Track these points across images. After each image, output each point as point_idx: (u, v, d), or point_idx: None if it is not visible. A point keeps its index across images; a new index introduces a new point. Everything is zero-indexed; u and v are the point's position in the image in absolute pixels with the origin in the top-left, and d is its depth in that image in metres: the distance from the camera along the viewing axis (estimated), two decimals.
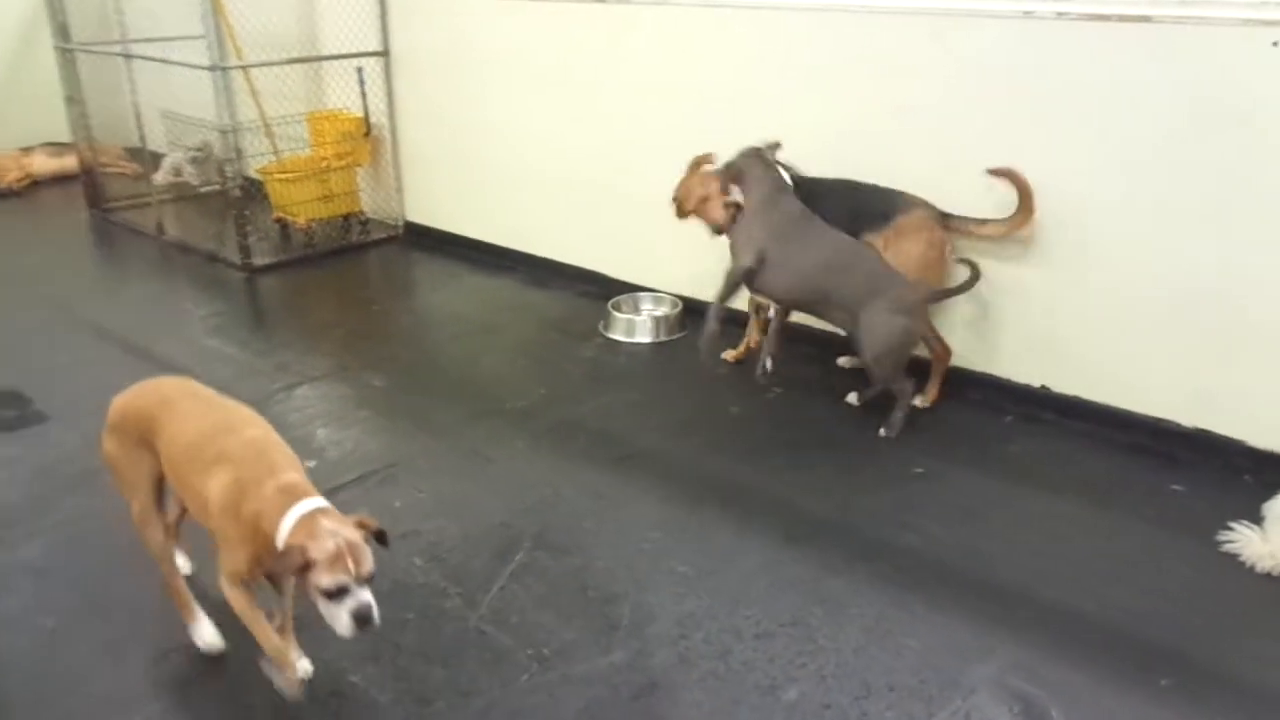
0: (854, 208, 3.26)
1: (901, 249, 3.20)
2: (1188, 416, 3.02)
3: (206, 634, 2.29)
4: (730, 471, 3.03)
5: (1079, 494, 2.87)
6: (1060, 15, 2.96)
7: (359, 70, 5.11)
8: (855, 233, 3.23)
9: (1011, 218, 3.11)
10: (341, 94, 5.29)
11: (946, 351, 3.38)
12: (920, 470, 3.01)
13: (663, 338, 4.05)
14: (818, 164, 3.53)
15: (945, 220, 3.22)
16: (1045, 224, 3.13)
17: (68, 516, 2.84)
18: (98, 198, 6.02)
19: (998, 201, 3.16)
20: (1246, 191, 2.74)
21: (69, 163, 6.43)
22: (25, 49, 6.75)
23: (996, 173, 3.12)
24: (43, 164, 6.81)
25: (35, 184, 6.76)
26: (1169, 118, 2.83)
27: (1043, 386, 3.30)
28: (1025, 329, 3.29)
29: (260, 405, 3.48)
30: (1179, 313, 2.95)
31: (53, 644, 2.33)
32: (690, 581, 2.50)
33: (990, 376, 3.41)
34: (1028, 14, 3.02)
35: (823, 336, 3.75)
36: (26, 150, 6.82)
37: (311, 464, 3.10)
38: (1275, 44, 2.60)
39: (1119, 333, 3.08)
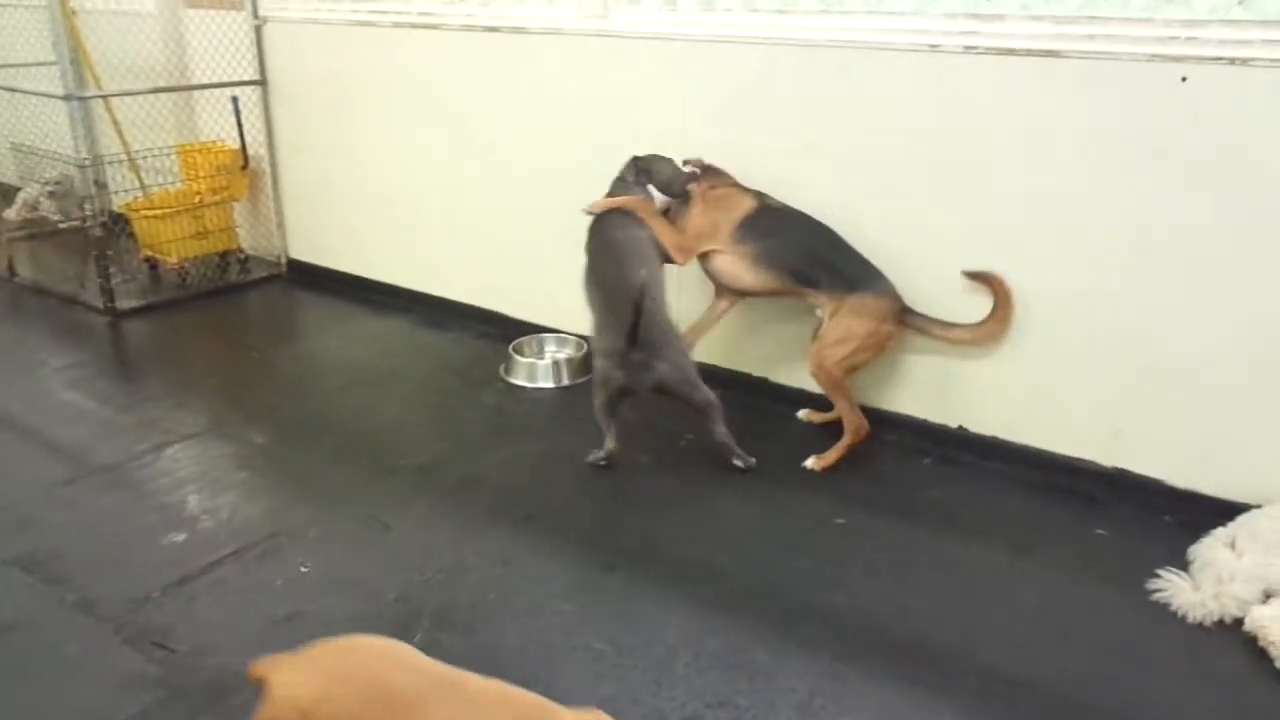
0: (816, 254, 3.08)
1: (847, 325, 3.02)
2: (1106, 455, 2.98)
3: None
4: (643, 529, 2.84)
5: (1003, 541, 2.78)
6: (967, 49, 2.91)
7: (234, 100, 4.78)
8: (808, 279, 3.09)
9: (983, 324, 3.00)
10: (215, 125, 4.94)
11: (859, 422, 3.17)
12: (842, 521, 2.88)
13: (566, 382, 3.85)
14: None
15: (904, 315, 3.08)
16: (958, 261, 3.06)
17: None
18: None
19: (900, 243, 3.10)
20: (1163, 227, 2.72)
21: None
22: None
23: (975, 277, 3.01)
24: None
25: None
26: (1081, 153, 2.79)
27: (960, 427, 3.23)
28: (940, 367, 3.21)
29: (123, 469, 3.17)
30: (1096, 349, 2.91)
31: None
32: (608, 660, 2.30)
33: (906, 417, 3.33)
34: (934, 48, 2.96)
35: (740, 380, 3.62)
36: None
37: (180, 537, 2.79)
38: (1184, 79, 2.58)
39: (1035, 370, 3.03)
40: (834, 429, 3.24)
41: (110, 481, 3.09)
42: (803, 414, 3.50)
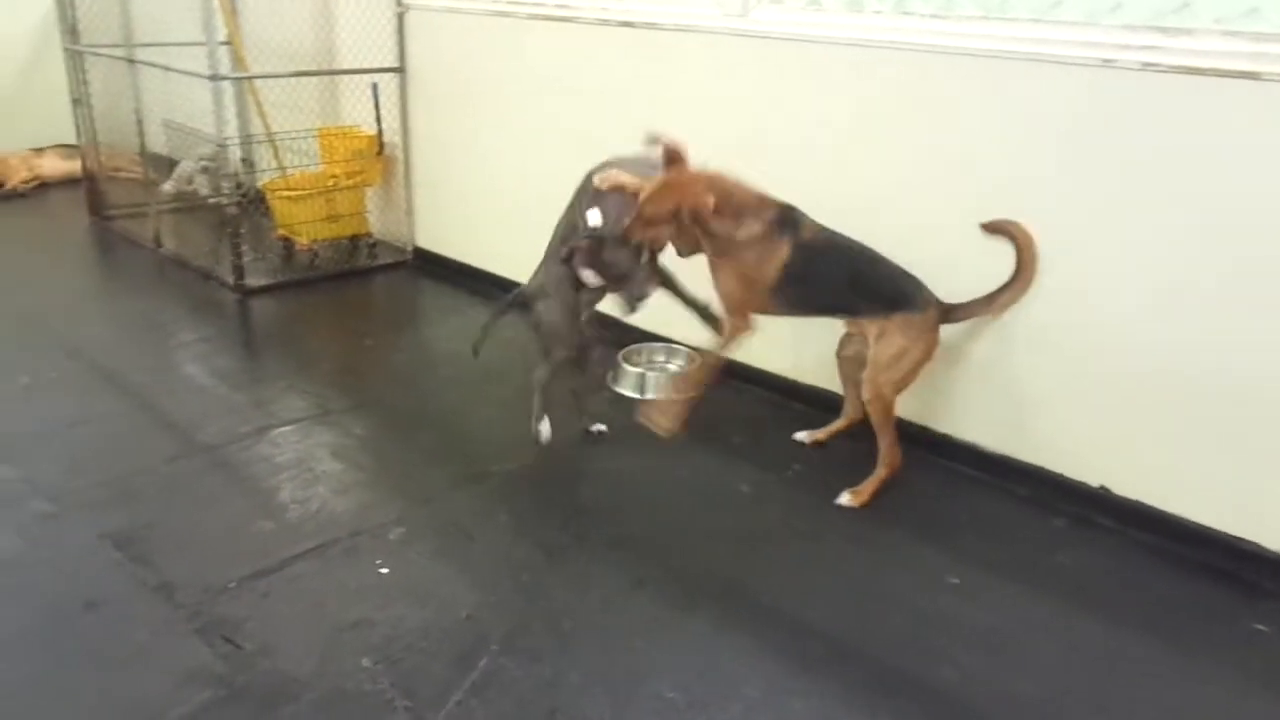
0: (856, 284, 2.84)
1: (900, 346, 2.81)
2: (1275, 538, 2.59)
3: None
4: (734, 567, 2.64)
5: (1145, 626, 2.45)
6: (1146, 66, 2.57)
7: (373, 86, 4.81)
8: (847, 309, 2.90)
9: (1015, 278, 2.82)
10: (356, 110, 5.00)
11: (896, 457, 2.96)
12: (956, 581, 2.60)
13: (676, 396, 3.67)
14: (865, 222, 3.18)
15: (949, 316, 2.88)
16: (1111, 304, 2.73)
17: None
18: (99, 204, 5.77)
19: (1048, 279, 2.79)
20: None
21: (79, 166, 6.20)
22: (44, 49, 6.52)
23: (992, 228, 2.82)
24: (53, 166, 6.59)
25: (44, 186, 6.53)
26: (1276, 187, 2.42)
27: (1102, 487, 2.89)
28: (1084, 420, 2.88)
29: (225, 450, 3.18)
30: (1271, 416, 2.53)
31: None
32: (678, 712, 2.12)
33: (1039, 469, 3.00)
34: (1107, 63, 2.64)
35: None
36: (39, 151, 6.61)
37: (268, 526, 2.76)
38: None
39: (1196, 432, 2.67)
40: (860, 449, 3.02)
41: (211, 462, 3.10)
42: (802, 436, 3.28)
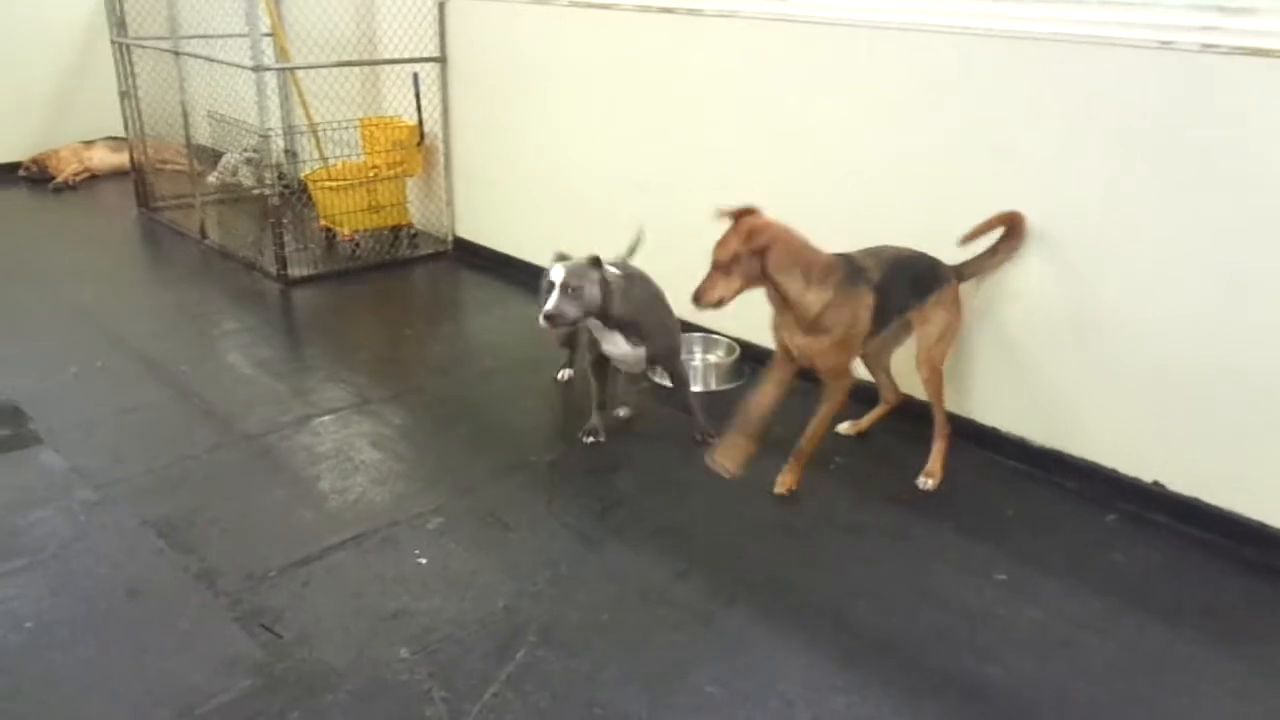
0: (910, 290, 2.86)
1: (942, 320, 2.90)
2: None
3: None
4: (775, 561, 2.60)
5: (1200, 625, 2.37)
6: (1206, 47, 2.48)
7: (414, 76, 4.81)
8: (908, 307, 2.87)
9: (1004, 238, 2.88)
10: (397, 100, 5.01)
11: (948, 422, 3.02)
12: (1003, 577, 2.54)
13: (714, 387, 3.64)
14: (898, 209, 3.11)
15: (962, 274, 2.93)
16: (1163, 295, 2.64)
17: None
18: (147, 196, 5.85)
19: (1092, 267, 2.70)
20: None
21: (127, 158, 6.29)
22: (94, 41, 6.62)
23: (977, 235, 2.87)
24: (102, 158, 6.70)
25: (94, 178, 6.66)
26: None
27: (1156, 483, 2.80)
28: (1136, 412, 2.79)
29: (266, 439, 3.20)
30: None
31: None
32: (718, 707, 2.09)
33: (1091, 464, 2.92)
34: (1166, 44, 2.54)
35: (910, 406, 3.30)
36: (88, 144, 6.72)
37: (307, 515, 2.77)
38: None
39: (1253, 427, 2.57)
40: (911, 436, 3.03)
41: (253, 451, 3.12)
42: (844, 427, 3.25)
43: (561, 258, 2.90)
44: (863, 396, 3.33)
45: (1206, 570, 2.59)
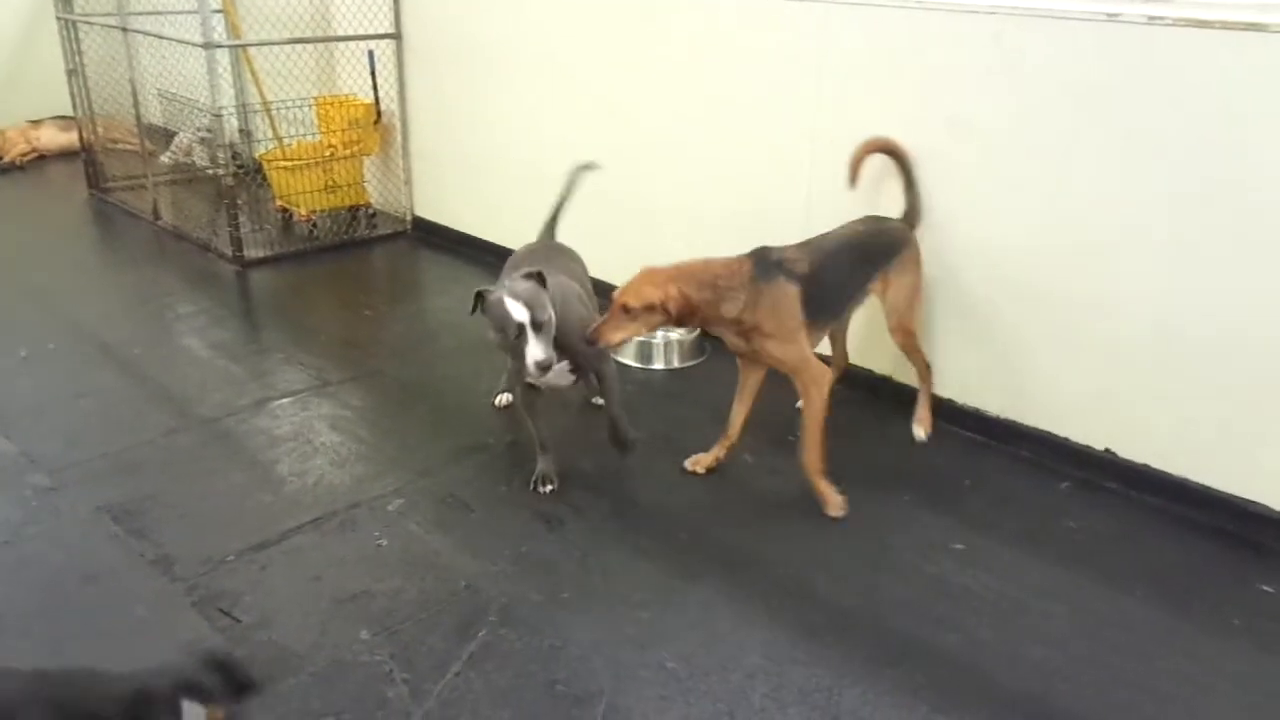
0: (860, 266, 2.86)
1: (907, 284, 2.94)
2: None
3: None
4: (737, 535, 2.62)
5: (1150, 588, 2.42)
6: (1152, 20, 2.50)
7: (370, 53, 4.75)
8: (864, 285, 2.88)
9: (905, 170, 2.99)
10: (352, 78, 4.93)
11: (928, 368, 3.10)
12: (960, 546, 2.58)
13: (676, 364, 3.65)
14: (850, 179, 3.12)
15: (912, 221, 3.02)
16: (1113, 265, 2.68)
17: None
18: (97, 177, 5.73)
19: (1046, 239, 2.73)
20: None
21: (76, 138, 6.15)
22: (39, 18, 6.45)
23: (863, 154, 3.00)
24: (50, 138, 6.55)
25: (42, 159, 6.52)
26: None
27: (1107, 450, 2.85)
28: (1088, 381, 2.84)
29: (223, 423, 3.16)
30: (1277, 376, 2.49)
31: None
32: (679, 682, 2.10)
33: (1044, 433, 2.97)
34: (1112, 17, 2.57)
35: (865, 377, 3.33)
36: (36, 123, 6.57)
37: (266, 499, 2.75)
38: None
39: (1201, 393, 2.63)
40: (867, 408, 3.03)
41: (210, 435, 3.09)
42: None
43: (487, 291, 2.57)
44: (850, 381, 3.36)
45: (1158, 535, 2.65)
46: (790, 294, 2.62)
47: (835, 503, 2.71)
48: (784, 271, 2.63)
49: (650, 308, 2.54)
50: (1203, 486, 2.68)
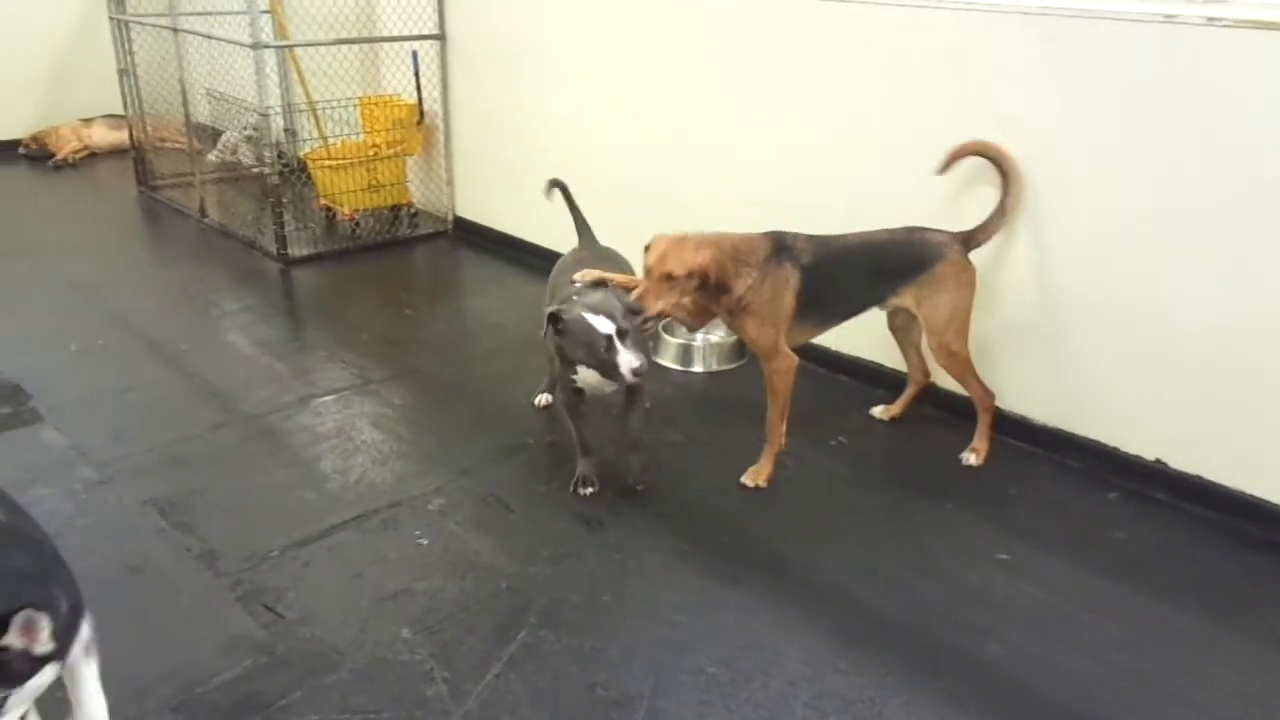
0: (877, 271, 2.80)
1: (947, 301, 2.79)
2: None
3: None
4: (776, 541, 2.60)
5: (1200, 603, 2.37)
6: (1211, 21, 2.45)
7: (414, 54, 4.78)
8: (880, 295, 2.83)
9: (1006, 194, 2.81)
10: (396, 79, 4.97)
11: (988, 396, 2.96)
12: (1005, 556, 2.54)
13: (716, 367, 3.63)
14: (900, 183, 3.08)
15: (972, 241, 2.84)
16: (1166, 271, 2.62)
17: None
18: (146, 174, 5.83)
19: (1095, 251, 2.68)
20: None
21: (126, 136, 6.25)
22: (93, 18, 6.57)
23: (959, 154, 2.84)
24: (102, 136, 6.67)
25: (93, 156, 6.63)
26: None
27: (1157, 460, 2.79)
28: (1139, 390, 2.78)
29: (267, 419, 3.20)
30: None
31: None
32: (719, 687, 2.09)
33: (1093, 442, 2.91)
34: (1170, 18, 2.51)
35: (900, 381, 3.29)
36: (88, 121, 6.69)
37: (309, 496, 2.77)
38: None
39: (1256, 404, 2.56)
40: (916, 415, 3.00)
41: (254, 431, 3.12)
42: (877, 411, 3.22)
43: (560, 310, 2.53)
44: (874, 376, 3.35)
45: (1208, 547, 2.59)
46: (791, 281, 2.64)
47: (763, 476, 2.80)
48: (791, 257, 2.65)
49: (691, 274, 2.54)
50: (1257, 499, 2.62)
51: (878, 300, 2.86)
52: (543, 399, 3.29)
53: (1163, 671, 2.15)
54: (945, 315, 2.81)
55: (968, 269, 2.82)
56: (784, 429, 2.84)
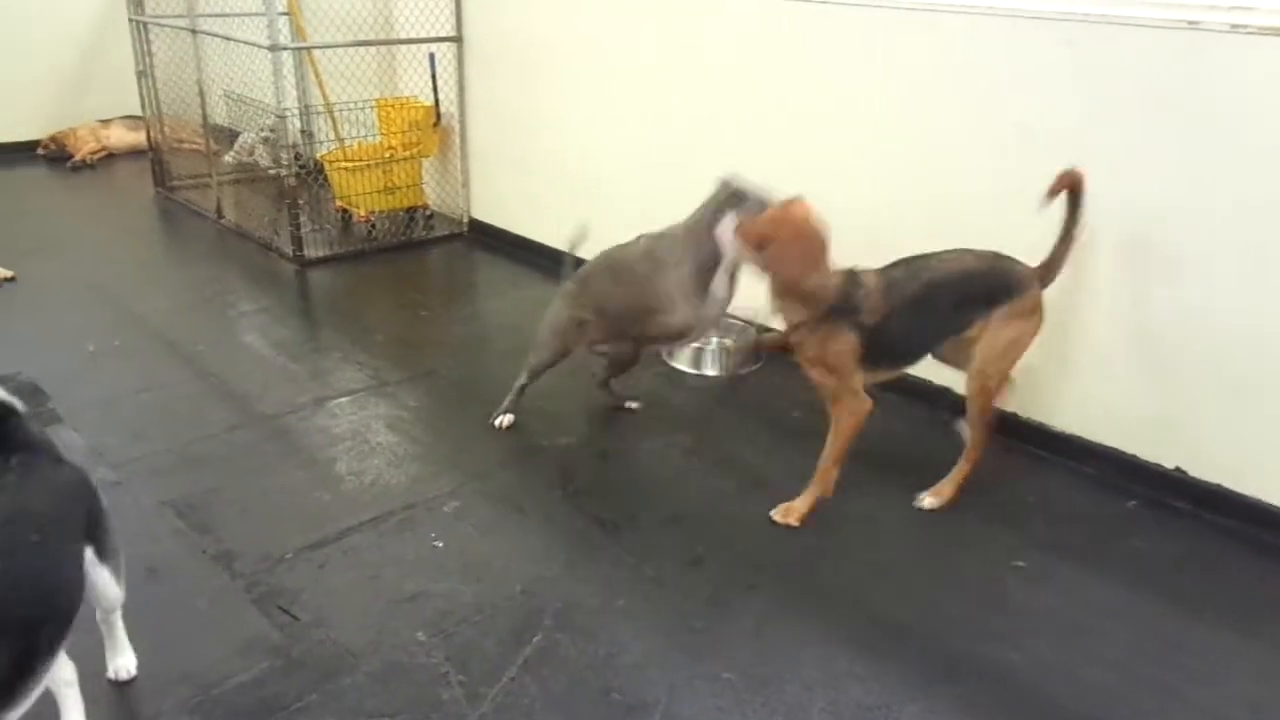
0: (961, 300, 2.61)
1: (1009, 336, 2.59)
2: None
3: None
4: (793, 546, 2.59)
5: (1220, 613, 2.35)
6: (1235, 28, 2.43)
7: (431, 56, 4.79)
8: (958, 327, 2.62)
9: (1070, 219, 2.59)
10: (413, 81, 4.98)
11: (985, 447, 2.74)
12: (1021, 564, 2.52)
13: (730, 370, 3.62)
14: (919, 189, 3.07)
15: (1047, 276, 2.63)
16: (1187, 277, 2.60)
17: None
18: (163, 175, 5.86)
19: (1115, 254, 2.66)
20: None
21: (144, 137, 6.28)
22: (112, 20, 6.61)
23: (1062, 186, 2.56)
24: (119, 137, 6.71)
25: (110, 157, 6.67)
26: None
27: (1177, 469, 2.77)
28: (1158, 397, 2.76)
29: (283, 420, 3.21)
30: None
31: None
32: (735, 693, 2.08)
33: (1111, 450, 2.89)
34: (1192, 24, 2.50)
35: (920, 387, 3.27)
36: (106, 123, 6.73)
37: (325, 497, 2.78)
38: None
39: (1276, 410, 2.54)
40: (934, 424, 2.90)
41: (270, 432, 3.13)
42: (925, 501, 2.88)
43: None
44: (895, 387, 3.32)
45: (1228, 557, 2.57)
46: (846, 344, 2.51)
47: (795, 515, 2.65)
48: (850, 318, 2.50)
49: (806, 295, 2.49)
50: (1278, 508, 2.60)
51: (954, 334, 2.66)
52: (504, 419, 3.20)
53: (1181, 682, 2.13)
54: (1003, 348, 2.61)
55: (1039, 309, 2.63)
56: (836, 474, 2.68)
